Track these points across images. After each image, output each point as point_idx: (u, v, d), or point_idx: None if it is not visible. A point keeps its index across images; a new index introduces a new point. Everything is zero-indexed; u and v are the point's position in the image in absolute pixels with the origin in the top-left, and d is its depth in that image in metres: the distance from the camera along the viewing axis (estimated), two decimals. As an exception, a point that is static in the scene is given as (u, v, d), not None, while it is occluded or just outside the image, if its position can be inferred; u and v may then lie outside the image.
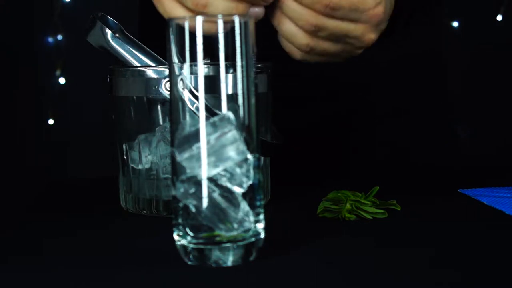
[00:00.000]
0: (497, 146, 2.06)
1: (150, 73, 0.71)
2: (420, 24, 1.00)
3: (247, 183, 0.56)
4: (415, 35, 1.00)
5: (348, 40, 0.68)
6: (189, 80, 0.56)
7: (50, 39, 2.14)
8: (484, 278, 0.53)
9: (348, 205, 0.70)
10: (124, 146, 0.75)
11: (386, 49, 0.97)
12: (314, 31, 0.65)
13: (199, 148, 0.55)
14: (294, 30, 0.67)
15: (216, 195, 0.55)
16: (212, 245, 0.56)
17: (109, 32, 0.73)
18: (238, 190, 0.56)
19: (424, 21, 1.01)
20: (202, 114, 0.55)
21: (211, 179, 0.55)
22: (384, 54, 0.98)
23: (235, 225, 0.56)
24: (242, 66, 0.56)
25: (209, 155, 0.55)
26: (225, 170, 0.55)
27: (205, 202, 0.55)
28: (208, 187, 0.55)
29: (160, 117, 0.72)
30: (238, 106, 0.56)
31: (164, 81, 0.71)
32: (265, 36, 0.67)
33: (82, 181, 0.97)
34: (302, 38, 0.67)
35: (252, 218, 0.56)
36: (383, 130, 0.99)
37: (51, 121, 2.17)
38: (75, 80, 2.15)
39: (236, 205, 0.56)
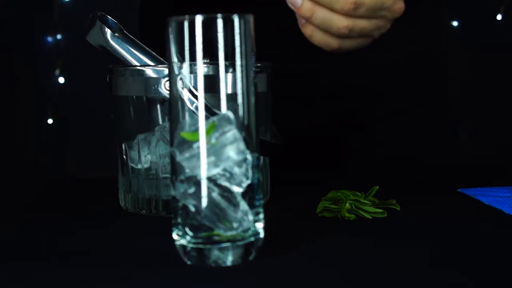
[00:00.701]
0: (497, 146, 2.06)
1: (149, 72, 0.71)
2: (420, 24, 1.00)
3: (246, 182, 0.56)
4: (415, 35, 1.00)
5: (381, 12, 0.68)
6: (189, 79, 0.56)
7: (50, 39, 2.14)
8: (484, 278, 0.53)
9: (347, 205, 0.70)
10: (123, 146, 0.75)
11: (386, 49, 0.97)
12: (354, 9, 0.66)
13: (199, 147, 0.55)
14: (330, 15, 0.66)
15: (215, 194, 0.55)
16: (212, 244, 0.56)
17: (108, 32, 0.73)
18: (237, 189, 0.56)
19: (424, 21, 1.01)
20: (201, 113, 0.55)
21: (210, 179, 0.55)
22: (384, 54, 0.97)
23: (235, 225, 0.56)
24: (241, 66, 0.56)
25: (209, 154, 0.55)
26: (225, 169, 0.55)
27: (204, 202, 0.55)
28: (208, 187, 0.55)
29: (160, 116, 0.72)
30: (238, 105, 0.56)
31: (163, 80, 0.71)
32: (265, 35, 0.67)
33: (82, 181, 0.96)
34: (340, 21, 0.67)
35: (251, 218, 0.56)
36: (383, 130, 0.99)
37: (51, 121, 2.17)
38: (75, 80, 2.15)
39: (235, 205, 0.56)
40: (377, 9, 0.68)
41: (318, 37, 0.69)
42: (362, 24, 0.68)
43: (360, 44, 0.71)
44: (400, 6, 0.70)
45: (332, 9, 0.67)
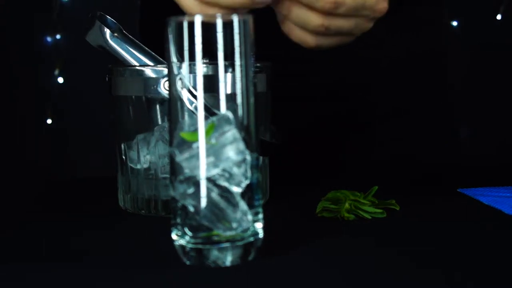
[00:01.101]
0: (497, 146, 2.06)
1: (149, 72, 0.71)
2: (420, 24, 1.00)
3: (245, 182, 0.56)
4: (415, 35, 1.00)
5: (363, 12, 0.67)
6: (188, 79, 0.56)
7: (49, 39, 2.14)
8: (484, 277, 0.53)
9: (347, 205, 0.70)
10: (122, 146, 0.75)
11: (386, 49, 0.97)
12: (335, 8, 0.65)
13: (198, 148, 0.55)
14: (307, 13, 0.66)
15: (214, 195, 0.55)
16: (211, 245, 0.56)
17: (107, 32, 0.73)
18: (236, 189, 0.56)
19: (424, 21, 1.01)
20: (201, 113, 0.55)
21: (210, 179, 0.55)
22: (384, 54, 0.98)
23: (234, 225, 0.56)
24: (241, 66, 0.56)
25: (208, 155, 0.55)
26: (224, 169, 0.55)
27: (203, 202, 0.55)
28: (207, 187, 0.55)
29: (159, 116, 0.72)
30: (237, 105, 0.56)
31: (163, 80, 0.71)
32: (264, 35, 0.67)
33: (82, 181, 0.96)
34: (316, 19, 0.65)
35: (250, 218, 0.56)
36: (383, 130, 0.99)
37: (51, 121, 2.17)
38: (75, 80, 2.15)
39: (234, 205, 0.56)
40: (359, 9, 0.67)
41: (295, 34, 0.68)
42: (340, 23, 0.67)
43: (340, 42, 0.70)
44: (383, 5, 0.68)
45: (311, 8, 0.65)
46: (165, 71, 0.70)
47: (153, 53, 0.75)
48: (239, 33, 0.56)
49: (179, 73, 0.56)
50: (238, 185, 0.56)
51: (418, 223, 0.68)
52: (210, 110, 0.56)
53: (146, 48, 0.75)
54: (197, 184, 0.55)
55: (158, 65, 0.72)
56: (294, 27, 0.67)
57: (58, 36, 2.14)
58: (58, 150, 2.18)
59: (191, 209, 0.56)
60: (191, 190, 0.56)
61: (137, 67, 0.73)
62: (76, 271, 0.57)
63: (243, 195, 0.56)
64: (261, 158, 0.62)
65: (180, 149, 0.56)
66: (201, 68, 0.55)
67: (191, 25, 0.55)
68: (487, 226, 0.67)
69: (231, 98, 0.56)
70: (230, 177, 0.56)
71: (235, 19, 0.55)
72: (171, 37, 0.56)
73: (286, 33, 0.68)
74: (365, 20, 0.68)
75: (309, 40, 0.67)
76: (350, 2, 0.65)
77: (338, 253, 0.60)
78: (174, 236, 0.58)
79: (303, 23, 0.66)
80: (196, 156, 0.55)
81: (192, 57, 0.55)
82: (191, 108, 0.56)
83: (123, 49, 0.74)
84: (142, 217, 0.74)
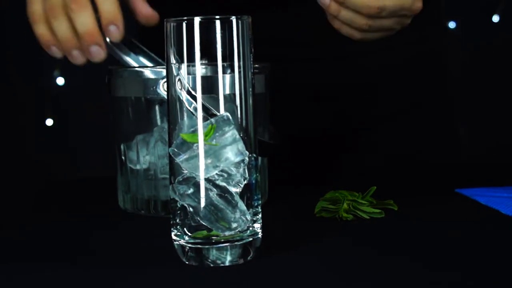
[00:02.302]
0: (497, 145, 2.06)
1: (148, 73, 0.72)
2: (420, 24, 1.00)
3: (244, 183, 0.56)
4: (415, 35, 1.00)
5: (401, 12, 0.76)
6: (187, 80, 0.57)
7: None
8: (482, 277, 0.53)
9: (345, 205, 0.70)
10: (122, 147, 0.75)
11: (386, 49, 0.97)
12: (378, 13, 0.73)
13: (198, 148, 0.56)
14: (354, 15, 0.74)
15: (213, 195, 0.56)
16: (210, 244, 0.56)
17: (107, 33, 0.73)
18: (235, 190, 0.56)
19: (424, 21, 1.01)
20: (199, 114, 0.56)
21: (209, 179, 0.56)
22: (384, 54, 0.98)
23: (233, 225, 0.56)
24: (239, 67, 0.56)
25: (208, 155, 0.55)
26: (223, 170, 0.56)
27: (202, 202, 0.56)
28: (206, 187, 0.56)
29: (158, 117, 0.73)
30: (236, 106, 0.57)
31: (162, 81, 0.71)
32: (263, 36, 0.68)
33: (81, 181, 0.97)
34: (361, 20, 0.74)
35: (249, 218, 0.57)
36: (381, 130, 0.99)
37: (50, 121, 2.17)
38: (75, 81, 2.15)
39: (233, 205, 0.56)
40: (398, 11, 0.75)
41: (344, 30, 0.76)
42: (381, 22, 0.75)
43: (382, 36, 0.78)
44: (418, 6, 0.76)
45: (357, 11, 0.74)
46: (164, 72, 0.70)
47: (152, 54, 0.75)
48: (238, 35, 0.56)
49: (178, 74, 0.57)
50: (237, 185, 0.56)
51: (416, 223, 0.69)
52: (209, 111, 0.56)
53: (145, 49, 0.75)
54: (196, 185, 0.56)
55: (157, 66, 0.73)
56: (343, 24, 0.75)
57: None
58: (58, 150, 2.18)
59: (191, 209, 0.56)
60: (190, 191, 0.56)
61: (136, 68, 0.73)
62: (75, 271, 0.57)
63: (242, 195, 0.57)
64: (260, 158, 0.63)
65: (180, 150, 0.56)
66: (200, 69, 0.56)
67: (190, 26, 0.55)
68: (485, 226, 0.67)
69: (230, 99, 0.56)
70: (229, 177, 0.56)
71: (234, 20, 0.56)
72: (170, 38, 0.56)
73: (336, 28, 0.76)
74: (403, 18, 0.77)
75: (356, 35, 0.76)
76: (391, 7, 0.74)
77: (336, 253, 0.60)
78: (173, 236, 0.58)
79: (350, 22, 0.75)
80: (196, 157, 0.56)
81: (191, 58, 0.56)
82: (190, 109, 0.57)
83: (122, 50, 0.74)
84: (142, 217, 0.74)
